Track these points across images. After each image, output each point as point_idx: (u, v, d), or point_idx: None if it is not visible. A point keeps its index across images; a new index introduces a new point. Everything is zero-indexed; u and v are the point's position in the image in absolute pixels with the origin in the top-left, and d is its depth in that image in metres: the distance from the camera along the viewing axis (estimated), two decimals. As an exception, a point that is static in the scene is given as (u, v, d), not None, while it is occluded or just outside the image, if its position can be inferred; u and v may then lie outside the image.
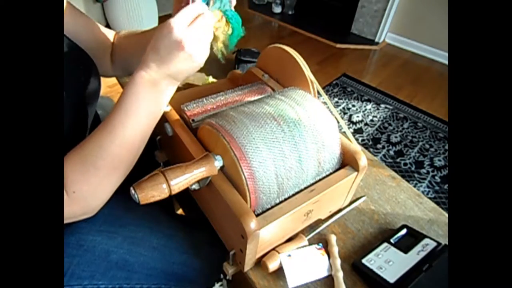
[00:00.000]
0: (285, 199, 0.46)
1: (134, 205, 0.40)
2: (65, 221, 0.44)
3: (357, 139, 1.72)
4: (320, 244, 0.52)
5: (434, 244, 0.51)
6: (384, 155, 1.66)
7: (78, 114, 0.51)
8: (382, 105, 2.00)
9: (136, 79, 0.43)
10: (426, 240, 0.52)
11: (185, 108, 0.55)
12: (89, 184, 0.41)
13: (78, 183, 0.40)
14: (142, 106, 0.43)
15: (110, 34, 0.62)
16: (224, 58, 0.56)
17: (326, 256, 0.50)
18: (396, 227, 0.57)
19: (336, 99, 2.02)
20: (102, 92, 0.60)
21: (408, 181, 0.68)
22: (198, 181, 0.43)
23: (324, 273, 0.49)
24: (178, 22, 0.40)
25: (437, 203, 0.90)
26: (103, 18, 2.39)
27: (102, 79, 0.60)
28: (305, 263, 0.48)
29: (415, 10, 2.48)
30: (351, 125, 1.84)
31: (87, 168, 0.41)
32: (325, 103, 0.52)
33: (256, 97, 0.59)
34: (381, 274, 0.47)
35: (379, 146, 1.71)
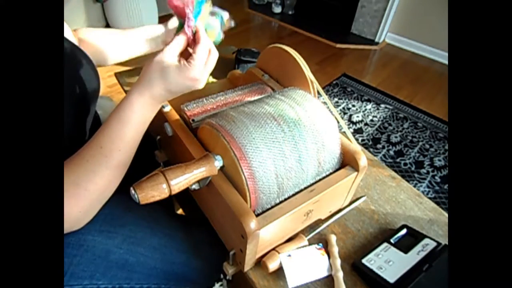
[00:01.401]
0: (285, 199, 0.46)
1: (134, 205, 0.40)
2: None
3: (357, 139, 1.71)
4: (320, 244, 0.52)
5: (434, 244, 0.51)
6: (384, 155, 1.66)
7: (78, 115, 0.51)
8: (382, 105, 2.00)
9: (135, 105, 0.43)
10: (426, 240, 0.52)
11: (185, 108, 0.55)
12: (80, 207, 0.41)
13: (69, 206, 0.40)
14: (140, 131, 0.44)
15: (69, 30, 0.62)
16: None
17: (326, 256, 0.50)
18: (396, 227, 0.57)
19: (336, 99, 2.02)
20: (102, 92, 0.60)
21: (408, 181, 0.68)
22: (198, 181, 0.43)
23: (324, 273, 0.49)
24: (199, 65, 0.42)
25: (437, 203, 0.90)
26: (103, 18, 2.39)
27: (102, 79, 0.59)
28: (305, 263, 0.48)
29: (415, 10, 2.48)
30: (351, 125, 1.84)
31: (79, 192, 0.40)
32: (325, 103, 0.52)
33: (256, 97, 0.59)
34: (381, 274, 0.47)
35: (379, 146, 1.71)
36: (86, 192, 0.41)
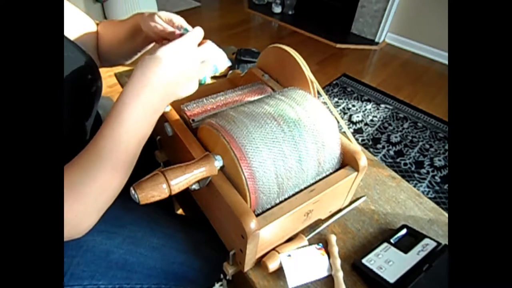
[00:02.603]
0: (285, 199, 0.46)
1: (134, 205, 0.40)
2: None
3: (357, 139, 1.71)
4: (320, 244, 0.52)
5: (434, 244, 0.51)
6: (384, 155, 1.66)
7: (79, 115, 0.51)
8: (382, 105, 2.00)
9: (127, 107, 0.40)
10: (426, 240, 0.52)
11: (185, 108, 0.55)
12: (74, 211, 0.38)
13: (64, 211, 0.37)
14: (134, 131, 0.41)
15: (93, 23, 0.61)
16: None
17: (326, 256, 0.50)
18: (396, 227, 0.57)
19: (336, 99, 2.02)
20: (102, 92, 0.60)
21: (408, 181, 0.68)
22: (198, 181, 0.43)
23: (324, 273, 0.49)
24: (171, 44, 0.42)
25: (437, 203, 0.90)
26: (103, 18, 2.39)
27: (102, 79, 0.59)
28: (305, 263, 0.48)
29: (415, 10, 2.48)
30: (351, 125, 1.84)
31: (73, 195, 0.38)
32: (325, 103, 0.52)
33: (256, 97, 0.59)
34: (381, 274, 0.47)
35: (379, 146, 1.71)
36: (80, 197, 0.38)
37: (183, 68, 0.42)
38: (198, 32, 0.45)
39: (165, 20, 0.50)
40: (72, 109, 0.48)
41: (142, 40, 0.54)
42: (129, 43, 0.56)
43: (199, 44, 0.47)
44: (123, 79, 0.89)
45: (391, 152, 1.68)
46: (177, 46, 0.42)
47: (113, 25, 0.59)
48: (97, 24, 0.62)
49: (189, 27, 0.50)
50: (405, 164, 1.61)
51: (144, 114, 0.41)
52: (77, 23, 0.57)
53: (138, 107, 0.41)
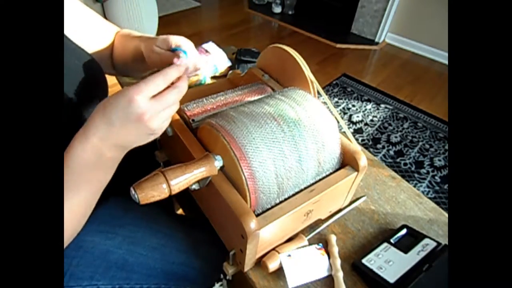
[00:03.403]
0: (285, 199, 0.46)
1: (133, 205, 0.40)
2: None
3: (357, 139, 1.71)
4: (320, 244, 0.52)
5: (434, 244, 0.51)
6: (384, 155, 1.66)
7: (83, 121, 0.51)
8: (382, 105, 2.00)
9: (77, 151, 0.37)
10: (426, 240, 0.52)
11: (185, 108, 0.55)
12: None
13: None
14: (84, 181, 0.39)
15: (112, 31, 0.61)
16: None
17: (326, 256, 0.50)
18: (396, 227, 0.57)
19: (336, 99, 2.02)
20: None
21: (408, 181, 0.68)
22: (198, 181, 0.43)
23: (324, 273, 0.49)
24: (142, 95, 0.36)
25: (437, 203, 0.90)
26: (103, 18, 2.40)
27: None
28: (305, 263, 0.48)
29: (415, 10, 2.48)
30: (351, 125, 1.84)
31: None
32: (325, 103, 0.52)
33: (256, 97, 0.59)
34: (381, 274, 0.47)
35: (379, 146, 1.71)
36: None
37: (134, 126, 0.38)
38: (159, 81, 0.38)
39: (162, 43, 0.47)
40: (74, 114, 0.48)
41: (145, 61, 0.53)
42: (134, 62, 0.56)
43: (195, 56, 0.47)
44: (123, 79, 0.89)
45: (391, 152, 1.68)
46: (130, 105, 0.37)
47: (125, 40, 0.59)
48: (118, 32, 0.62)
49: (187, 45, 0.48)
50: (405, 164, 1.61)
51: (87, 157, 0.38)
52: (93, 30, 0.57)
53: (83, 151, 0.38)
